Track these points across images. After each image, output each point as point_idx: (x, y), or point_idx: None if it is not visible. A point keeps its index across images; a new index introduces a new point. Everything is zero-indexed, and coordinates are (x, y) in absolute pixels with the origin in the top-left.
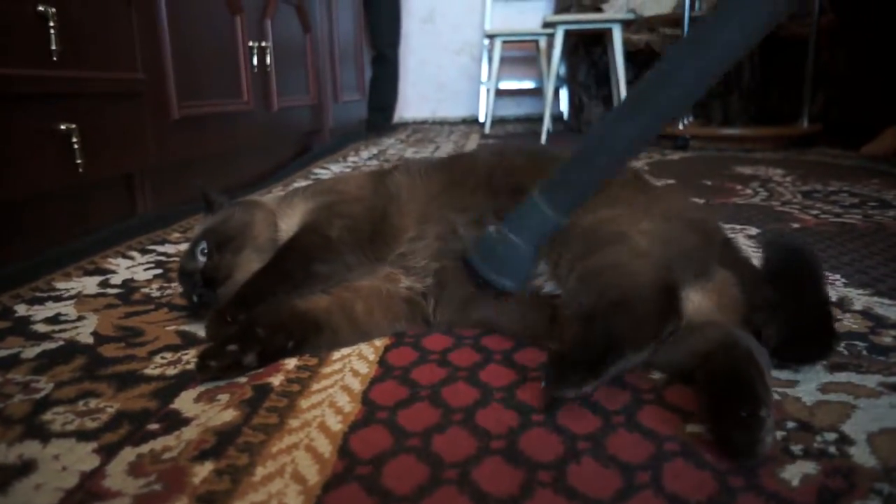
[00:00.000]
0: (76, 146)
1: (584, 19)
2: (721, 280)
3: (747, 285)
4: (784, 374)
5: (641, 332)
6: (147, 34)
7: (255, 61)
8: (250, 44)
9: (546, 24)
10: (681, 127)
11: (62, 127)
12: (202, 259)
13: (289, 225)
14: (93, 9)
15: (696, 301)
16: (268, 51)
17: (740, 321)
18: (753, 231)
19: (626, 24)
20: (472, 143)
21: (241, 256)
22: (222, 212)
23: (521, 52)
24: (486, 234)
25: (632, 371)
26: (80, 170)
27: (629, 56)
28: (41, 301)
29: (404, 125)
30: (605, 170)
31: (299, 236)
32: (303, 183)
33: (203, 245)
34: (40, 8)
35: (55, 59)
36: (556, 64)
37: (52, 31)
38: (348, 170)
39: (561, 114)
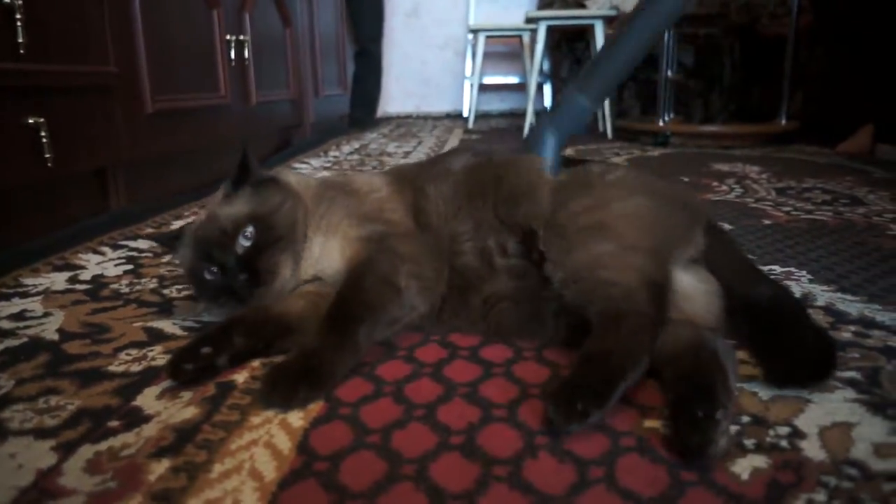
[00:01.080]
0: (45, 140)
1: (566, 15)
2: (697, 284)
3: (730, 279)
4: (742, 370)
5: (638, 349)
6: (119, 27)
7: (232, 55)
8: (228, 37)
9: (529, 20)
10: (661, 123)
11: (30, 121)
12: (245, 244)
13: (328, 250)
14: (62, 1)
15: (685, 282)
16: (246, 44)
17: (715, 319)
18: (726, 227)
19: (609, 20)
20: (454, 139)
21: (284, 258)
22: (272, 197)
23: (505, 48)
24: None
25: None
26: (50, 164)
27: None
28: (7, 297)
29: (388, 120)
30: (622, 67)
31: (367, 285)
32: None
33: (250, 230)
34: (6, 0)
35: (22, 52)
36: (539, 59)
37: (18, 23)
38: (328, 164)
39: (545, 109)
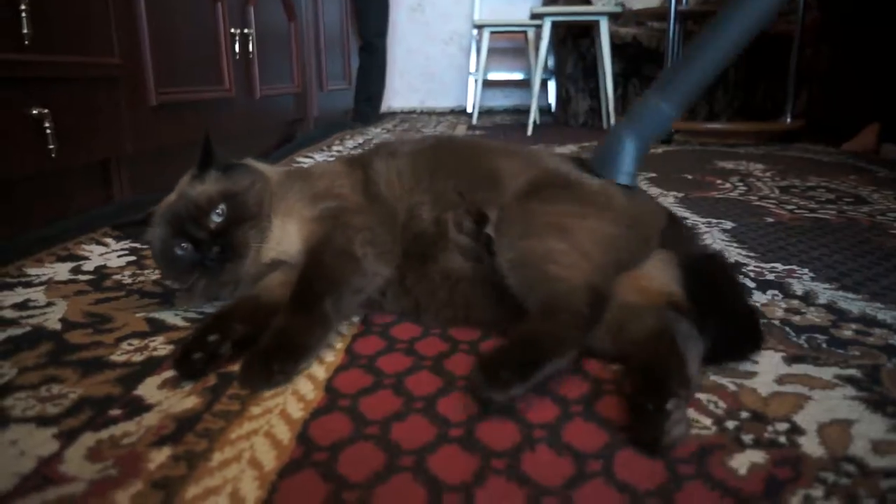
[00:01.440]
0: (49, 131)
1: (572, 11)
2: (656, 262)
3: (686, 266)
4: (743, 366)
5: (568, 340)
6: (124, 19)
7: (237, 48)
8: (232, 31)
9: (534, 16)
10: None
11: (34, 112)
12: (217, 221)
13: (287, 233)
14: None
15: (645, 266)
16: (250, 38)
17: (676, 300)
18: (729, 225)
19: (614, 17)
20: (458, 134)
21: (250, 236)
22: (242, 178)
23: (510, 43)
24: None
25: (594, 362)
26: (53, 155)
27: (616, 49)
28: (10, 287)
29: (392, 115)
30: (707, 70)
31: (324, 261)
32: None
33: (222, 207)
34: None
35: (27, 42)
36: (544, 56)
37: (23, 14)
38: (332, 159)
39: (549, 106)
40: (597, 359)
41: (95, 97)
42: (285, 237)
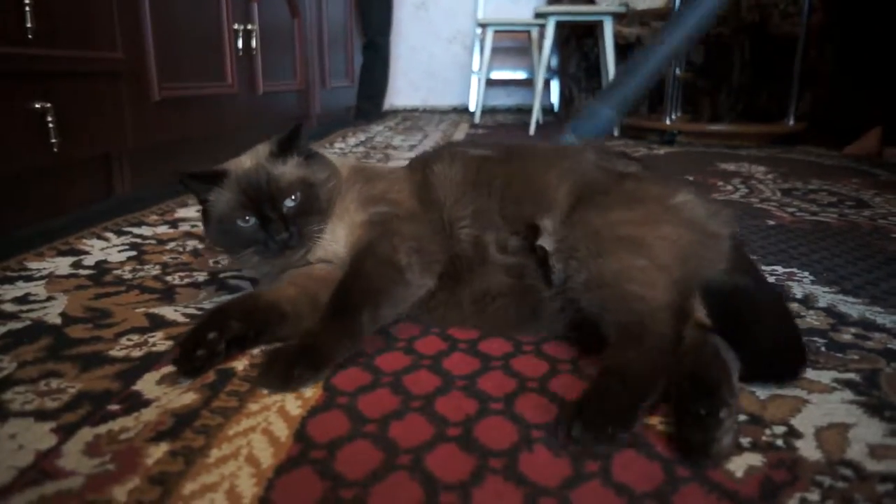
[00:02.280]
0: (51, 125)
1: (575, 11)
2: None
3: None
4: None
5: (658, 370)
6: (127, 14)
7: (240, 44)
8: (235, 27)
9: (538, 15)
10: (668, 122)
11: (37, 106)
12: (289, 206)
13: (336, 235)
14: None
15: (700, 309)
16: (254, 34)
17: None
18: None
19: (619, 17)
20: (460, 133)
21: (319, 228)
22: (321, 170)
23: (513, 42)
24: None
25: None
26: (55, 149)
27: (620, 50)
28: (11, 280)
29: (394, 113)
30: (644, 78)
31: (368, 269)
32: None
33: (298, 194)
34: None
35: (30, 37)
36: (547, 55)
37: (27, 8)
38: (335, 155)
39: (552, 105)
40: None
41: (98, 92)
42: (334, 239)
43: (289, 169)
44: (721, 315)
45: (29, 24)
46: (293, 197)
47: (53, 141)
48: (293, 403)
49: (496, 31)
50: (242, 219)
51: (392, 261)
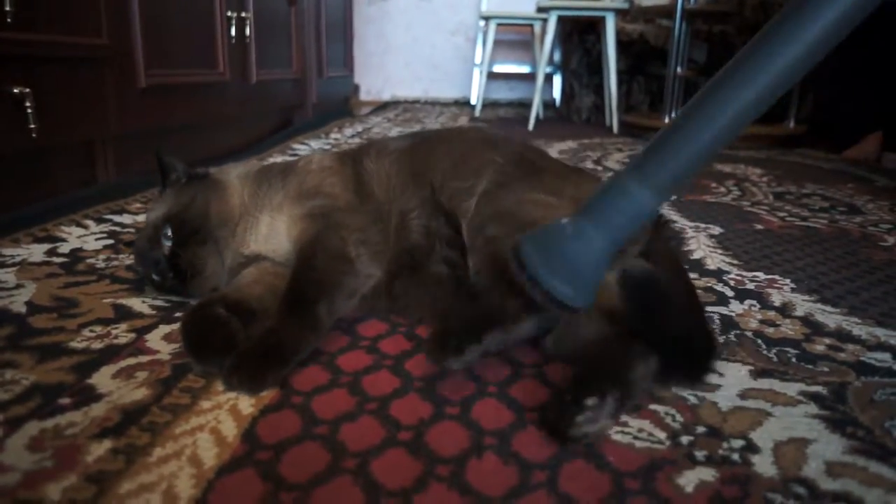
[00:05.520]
0: (30, 110)
1: (578, 6)
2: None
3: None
4: (709, 378)
5: (517, 303)
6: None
7: (233, 32)
8: (228, 14)
9: (540, 9)
10: (668, 121)
11: (15, 90)
12: (167, 244)
13: (274, 230)
14: None
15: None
16: (247, 21)
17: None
18: (717, 230)
19: (622, 13)
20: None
21: (205, 249)
22: (183, 193)
23: (516, 36)
24: (555, 226)
25: (556, 367)
26: (34, 135)
27: (623, 46)
28: None
29: (395, 104)
30: (710, 143)
31: (319, 262)
32: (279, 158)
33: (168, 230)
34: None
35: (9, 20)
36: (548, 49)
37: None
38: (328, 146)
39: (553, 100)
40: (559, 363)
41: (80, 77)
42: (273, 234)
43: (156, 210)
44: (631, 302)
45: (8, 8)
46: (167, 234)
47: (32, 126)
48: (246, 402)
49: (499, 24)
50: (150, 271)
51: (342, 253)
